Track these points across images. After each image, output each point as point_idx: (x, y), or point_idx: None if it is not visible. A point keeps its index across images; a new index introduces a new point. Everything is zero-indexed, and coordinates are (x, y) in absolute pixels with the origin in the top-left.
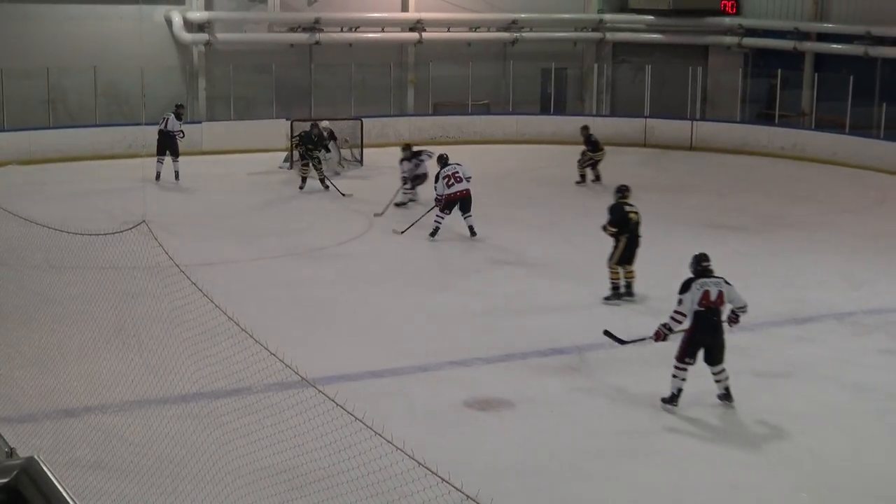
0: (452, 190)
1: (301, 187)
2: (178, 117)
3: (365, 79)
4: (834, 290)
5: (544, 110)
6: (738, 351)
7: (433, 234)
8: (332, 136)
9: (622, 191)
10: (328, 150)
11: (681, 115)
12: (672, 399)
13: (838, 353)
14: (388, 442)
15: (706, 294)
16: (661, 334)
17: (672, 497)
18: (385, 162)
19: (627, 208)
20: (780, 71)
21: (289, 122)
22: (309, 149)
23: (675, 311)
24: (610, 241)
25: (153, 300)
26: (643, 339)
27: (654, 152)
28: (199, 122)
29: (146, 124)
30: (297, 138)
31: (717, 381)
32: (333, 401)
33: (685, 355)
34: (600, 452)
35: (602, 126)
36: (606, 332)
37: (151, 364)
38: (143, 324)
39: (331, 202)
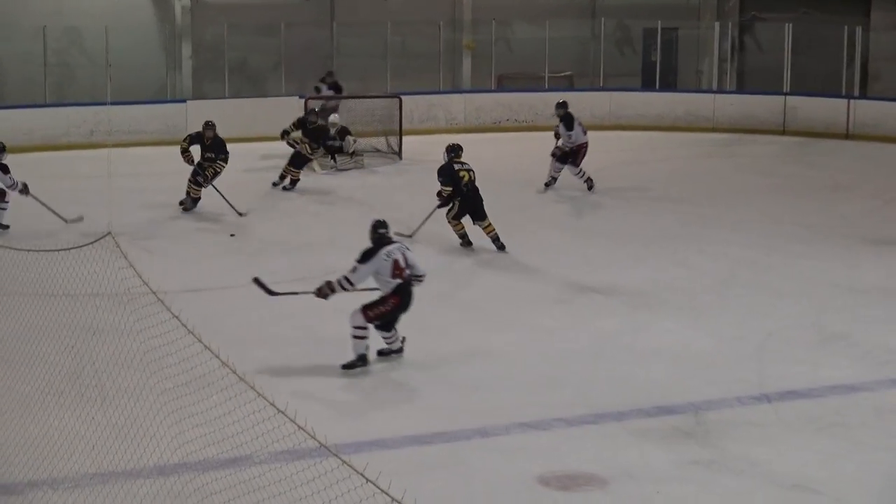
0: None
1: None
2: None
3: (405, 43)
4: None
5: (647, 85)
6: None
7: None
8: (343, 133)
9: (454, 150)
10: (329, 151)
11: (833, 92)
12: (356, 364)
13: None
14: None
15: (396, 263)
16: (325, 292)
17: None
18: (432, 155)
19: (458, 167)
20: None
21: (303, 101)
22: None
23: (346, 278)
24: None
25: (121, 338)
26: (297, 293)
27: (797, 142)
28: (183, 101)
29: (112, 103)
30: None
31: (390, 343)
32: (363, 475)
33: (376, 319)
34: None
35: (726, 106)
36: (256, 280)
37: (118, 424)
38: (107, 370)
39: (356, 209)
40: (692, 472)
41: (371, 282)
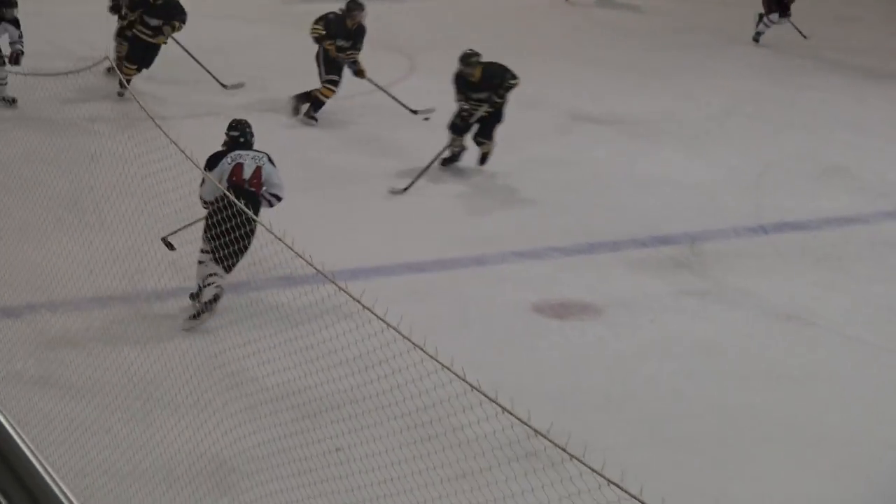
0: None
1: None
2: None
3: None
4: None
5: None
6: None
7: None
8: None
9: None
10: None
11: None
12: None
13: None
14: (432, 358)
15: (238, 168)
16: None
17: (808, 426)
18: None
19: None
20: None
21: None
22: None
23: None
24: None
25: (120, 164)
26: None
27: None
28: None
29: None
30: None
31: (205, 287)
32: (359, 301)
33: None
34: (713, 376)
35: None
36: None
37: (117, 248)
38: (105, 196)
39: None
40: (686, 301)
41: None
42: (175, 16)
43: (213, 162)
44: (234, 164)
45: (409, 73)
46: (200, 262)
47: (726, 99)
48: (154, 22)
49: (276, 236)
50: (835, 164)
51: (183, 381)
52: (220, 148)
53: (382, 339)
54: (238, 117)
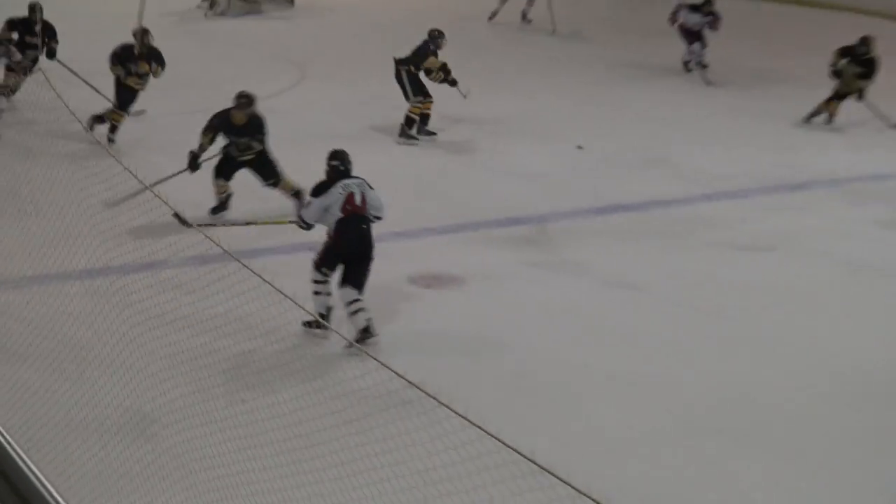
0: None
1: None
2: None
3: None
4: (830, 155)
5: None
6: (721, 221)
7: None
8: None
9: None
10: None
11: None
12: (312, 324)
13: (831, 223)
14: (321, 322)
15: (350, 197)
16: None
17: (631, 374)
18: (322, 3)
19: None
20: None
21: None
22: None
23: (299, 215)
24: None
25: (52, 160)
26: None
27: None
28: None
29: None
30: None
31: (352, 315)
32: (260, 276)
33: (324, 265)
34: (558, 334)
35: None
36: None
37: (51, 234)
38: (41, 188)
39: (259, 49)
40: (535, 272)
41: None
42: (160, 62)
43: (319, 190)
44: (345, 193)
45: (300, 80)
46: (319, 293)
47: (568, 103)
48: (143, 70)
49: (191, 225)
50: (659, 156)
51: (111, 345)
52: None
53: (280, 308)
54: (337, 148)
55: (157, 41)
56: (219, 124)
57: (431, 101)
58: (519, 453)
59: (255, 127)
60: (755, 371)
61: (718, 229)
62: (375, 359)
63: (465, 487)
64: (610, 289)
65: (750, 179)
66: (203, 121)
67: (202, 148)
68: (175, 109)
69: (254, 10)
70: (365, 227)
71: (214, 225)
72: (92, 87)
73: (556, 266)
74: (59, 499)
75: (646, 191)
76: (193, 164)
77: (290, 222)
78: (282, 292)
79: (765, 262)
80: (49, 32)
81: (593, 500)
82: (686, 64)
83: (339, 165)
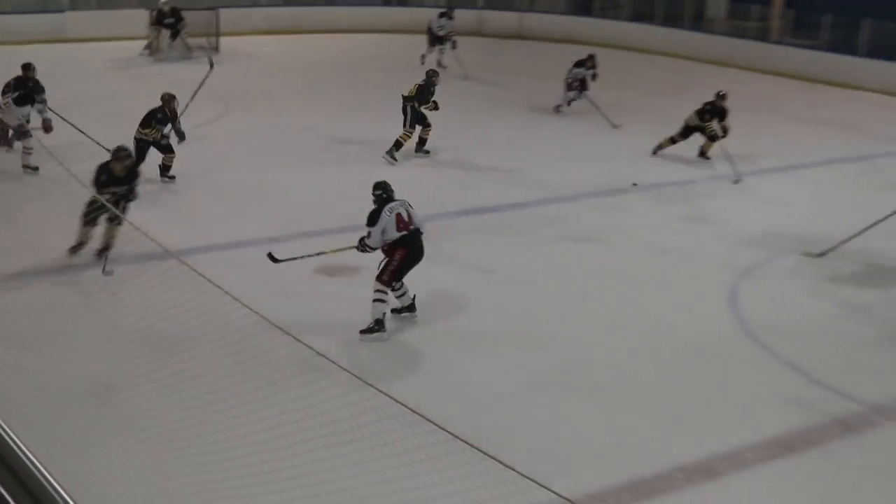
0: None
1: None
2: None
3: None
4: (643, 165)
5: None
6: (558, 220)
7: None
8: (176, 12)
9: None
10: (168, 28)
11: (510, 7)
12: (373, 329)
13: (644, 220)
14: (245, 306)
15: (399, 217)
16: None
17: (495, 340)
18: (243, 50)
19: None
20: None
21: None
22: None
23: (364, 243)
24: None
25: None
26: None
27: (487, 41)
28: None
29: None
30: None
31: (401, 296)
32: (194, 270)
33: (392, 279)
34: (436, 311)
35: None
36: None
37: (25, 239)
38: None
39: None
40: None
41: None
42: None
43: (372, 218)
44: (393, 214)
45: (225, 113)
46: (384, 301)
47: (449, 129)
48: (166, 129)
49: (135, 227)
50: (513, 167)
51: (73, 327)
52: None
53: (211, 295)
54: (379, 180)
55: (106, 84)
56: (100, 174)
57: (429, 128)
58: (405, 406)
59: (133, 176)
60: (593, 337)
61: (559, 226)
62: (289, 333)
63: (363, 435)
64: (478, 274)
65: (582, 186)
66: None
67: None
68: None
69: (187, 56)
70: (421, 237)
71: (295, 258)
72: (81, 131)
73: (435, 258)
74: (31, 456)
75: (502, 196)
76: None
77: (355, 248)
78: (213, 283)
79: (595, 251)
80: (38, 89)
81: (462, 440)
82: (558, 107)
83: (381, 194)
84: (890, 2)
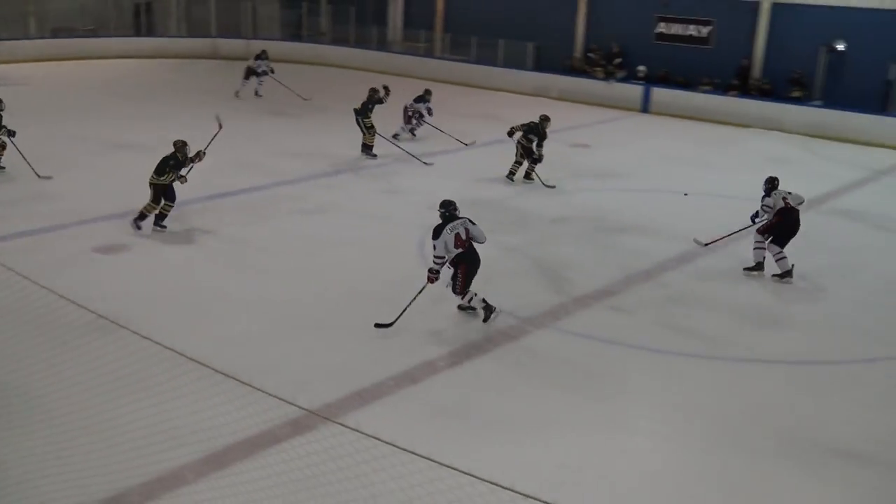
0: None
1: None
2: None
3: None
4: (354, 152)
5: (138, 33)
6: (295, 197)
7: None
8: None
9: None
10: None
11: (238, 35)
12: (489, 314)
13: (355, 194)
14: (34, 283)
15: (458, 236)
16: (432, 277)
17: (257, 295)
18: (19, 74)
19: None
20: (304, 3)
21: None
22: None
23: (434, 256)
24: None
25: None
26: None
27: (220, 62)
28: None
29: None
30: None
31: (472, 299)
32: None
33: (465, 287)
34: (236, 281)
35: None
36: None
37: None
38: None
39: None
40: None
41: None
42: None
43: (436, 233)
44: (453, 233)
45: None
46: (473, 299)
47: (244, 136)
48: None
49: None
50: (247, 161)
51: None
52: None
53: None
54: (446, 199)
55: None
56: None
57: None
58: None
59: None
60: (307, 287)
61: (294, 202)
62: (73, 301)
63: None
64: (230, 244)
65: (310, 170)
66: None
67: None
68: None
69: None
70: (476, 251)
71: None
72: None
73: (211, 234)
74: None
75: (242, 183)
76: None
77: (428, 278)
78: (6, 266)
79: (322, 220)
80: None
81: (237, 379)
82: (396, 136)
83: (445, 212)
84: (518, 26)
